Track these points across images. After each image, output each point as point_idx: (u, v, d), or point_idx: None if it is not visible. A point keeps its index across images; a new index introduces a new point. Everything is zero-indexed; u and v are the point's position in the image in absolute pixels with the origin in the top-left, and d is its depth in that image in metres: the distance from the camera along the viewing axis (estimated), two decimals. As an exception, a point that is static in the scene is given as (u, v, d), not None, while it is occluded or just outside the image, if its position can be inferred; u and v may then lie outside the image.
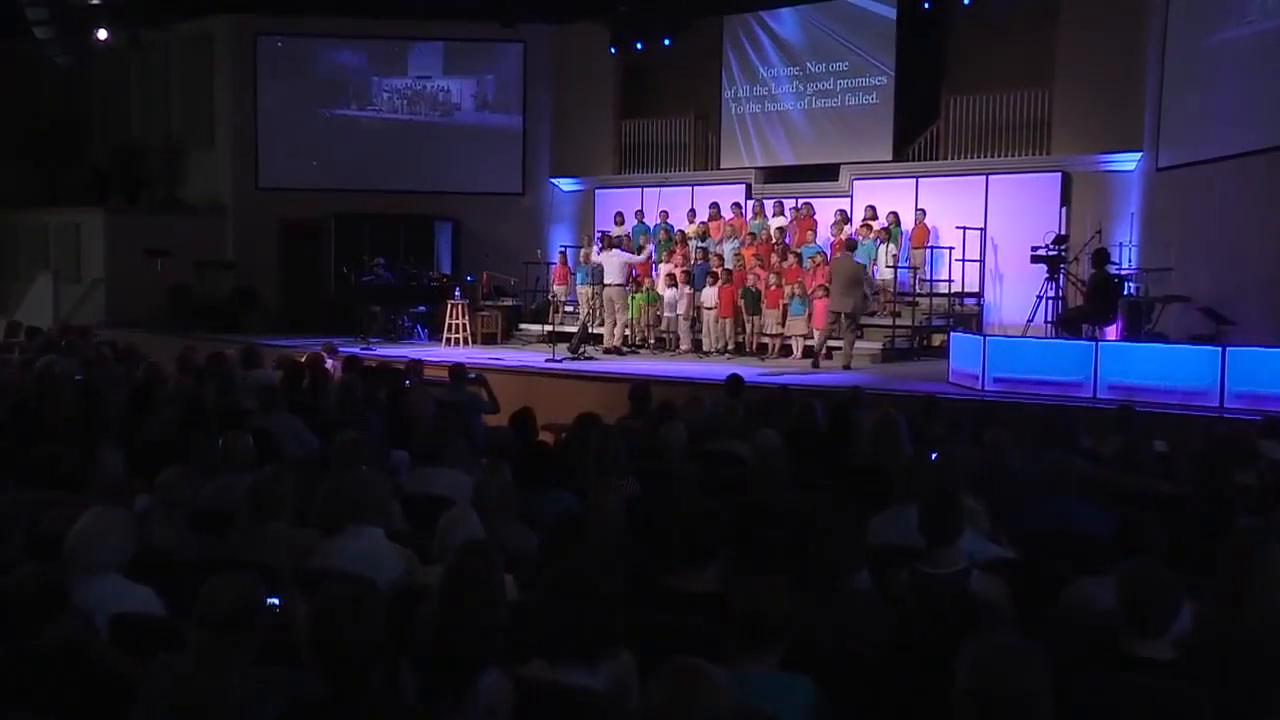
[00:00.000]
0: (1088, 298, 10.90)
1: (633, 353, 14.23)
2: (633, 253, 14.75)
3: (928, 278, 14.31)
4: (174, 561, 3.95)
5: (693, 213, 16.19)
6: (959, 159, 15.22)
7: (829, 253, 13.76)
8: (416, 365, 9.38)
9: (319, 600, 2.75)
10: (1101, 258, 10.87)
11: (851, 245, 13.00)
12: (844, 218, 14.73)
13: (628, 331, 14.52)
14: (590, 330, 14.20)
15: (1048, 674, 2.30)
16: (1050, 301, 11.68)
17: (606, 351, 13.85)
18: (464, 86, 19.14)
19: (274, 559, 3.90)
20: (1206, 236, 11.87)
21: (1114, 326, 11.11)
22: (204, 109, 19.26)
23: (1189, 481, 5.66)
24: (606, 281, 13.98)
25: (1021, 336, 11.47)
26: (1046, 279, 11.68)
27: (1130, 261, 13.05)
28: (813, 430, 6.78)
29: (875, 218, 14.49)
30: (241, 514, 4.29)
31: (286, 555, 3.95)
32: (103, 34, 15.56)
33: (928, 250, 14.34)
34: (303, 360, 9.48)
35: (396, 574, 3.83)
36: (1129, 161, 13.80)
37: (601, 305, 14.34)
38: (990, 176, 14.62)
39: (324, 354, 10.52)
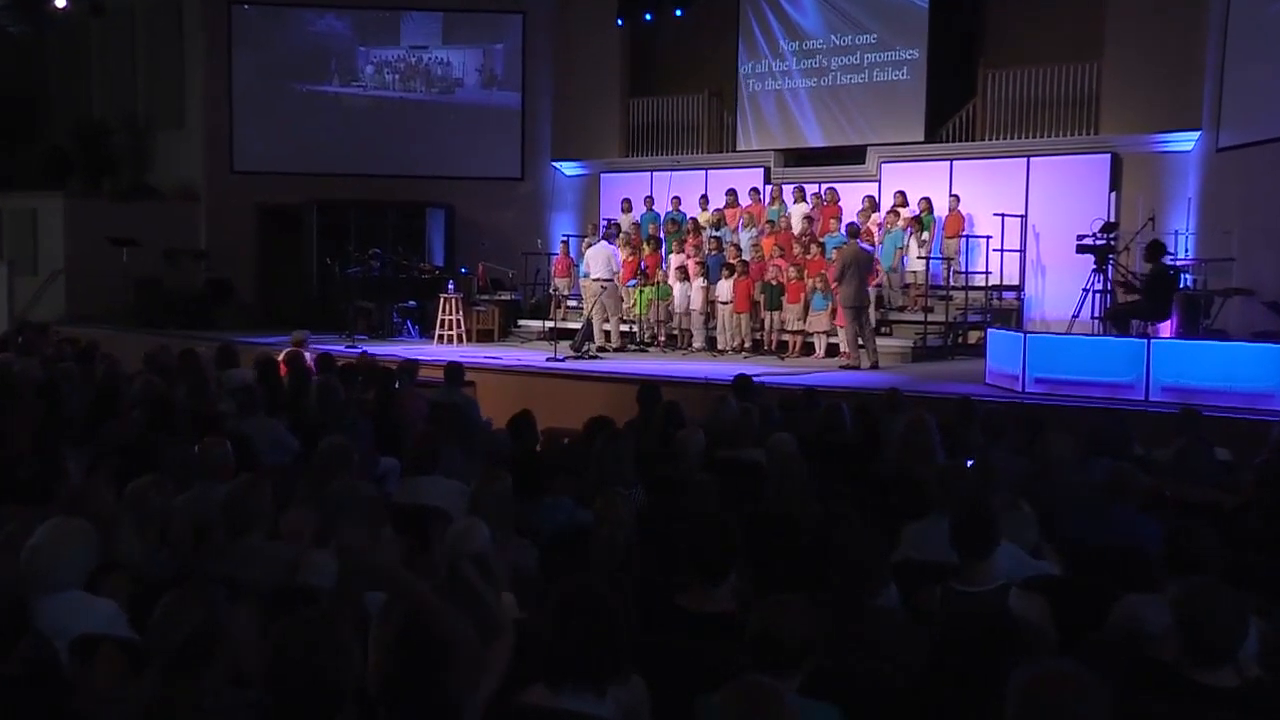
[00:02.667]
0: (1145, 294, 10.81)
1: (640, 351, 14.25)
2: (640, 244, 14.75)
3: (963, 269, 14.29)
4: (143, 578, 3.96)
5: (706, 199, 16.20)
6: (997, 139, 15.17)
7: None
8: (409, 365, 9.39)
9: (282, 626, 2.56)
10: (1157, 250, 10.81)
11: (854, 231, 12.99)
12: (871, 204, 14.72)
13: (629, 327, 14.52)
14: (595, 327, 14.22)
15: (1106, 704, 2.30)
16: (1097, 295, 11.64)
17: (600, 350, 13.86)
18: (467, 59, 19.10)
19: (251, 575, 3.91)
20: (1273, 223, 11.80)
21: (1168, 322, 11.07)
22: (173, 84, 19.29)
23: (1254, 492, 5.64)
24: (593, 276, 14.00)
25: (1066, 333, 11.45)
26: (1093, 271, 11.63)
27: (1187, 251, 13.00)
28: (839, 435, 6.78)
29: (905, 204, 14.46)
30: (217, 526, 4.30)
31: (265, 571, 3.96)
32: (60, 0, 15.59)
33: (963, 239, 14.31)
34: (281, 358, 9.50)
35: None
36: (1186, 141, 13.75)
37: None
38: (1032, 159, 14.59)
39: (295, 345, 10.53)
